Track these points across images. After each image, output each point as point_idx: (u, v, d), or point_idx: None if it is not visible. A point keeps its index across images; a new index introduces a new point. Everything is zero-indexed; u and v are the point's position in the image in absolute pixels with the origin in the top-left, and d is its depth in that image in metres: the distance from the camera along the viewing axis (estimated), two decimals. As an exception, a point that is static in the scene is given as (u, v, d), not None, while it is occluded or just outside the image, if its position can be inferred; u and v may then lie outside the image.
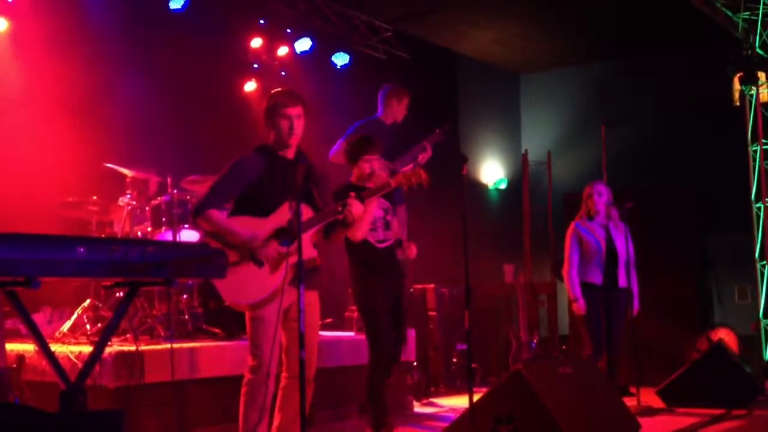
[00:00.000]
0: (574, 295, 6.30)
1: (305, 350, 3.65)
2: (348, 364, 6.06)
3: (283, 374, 4.10)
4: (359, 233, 4.72)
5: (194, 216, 3.98)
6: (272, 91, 4.13)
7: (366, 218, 4.53)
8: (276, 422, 4.08)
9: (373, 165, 5.10)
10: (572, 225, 6.53)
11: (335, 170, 5.73)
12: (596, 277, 6.35)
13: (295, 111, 4.01)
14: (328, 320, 6.50)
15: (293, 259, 3.75)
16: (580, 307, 6.28)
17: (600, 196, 6.43)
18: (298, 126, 4.03)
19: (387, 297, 5.21)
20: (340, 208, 3.97)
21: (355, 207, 3.97)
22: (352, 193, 4.06)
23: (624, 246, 6.41)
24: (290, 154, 4.09)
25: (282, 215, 3.94)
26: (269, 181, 4.00)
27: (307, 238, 3.91)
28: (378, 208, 5.04)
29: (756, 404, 6.48)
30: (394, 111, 6.41)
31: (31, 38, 6.56)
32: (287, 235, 3.87)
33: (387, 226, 5.24)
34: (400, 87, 6.48)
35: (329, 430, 5.55)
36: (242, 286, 3.85)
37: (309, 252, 3.94)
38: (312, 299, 4.10)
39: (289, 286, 3.86)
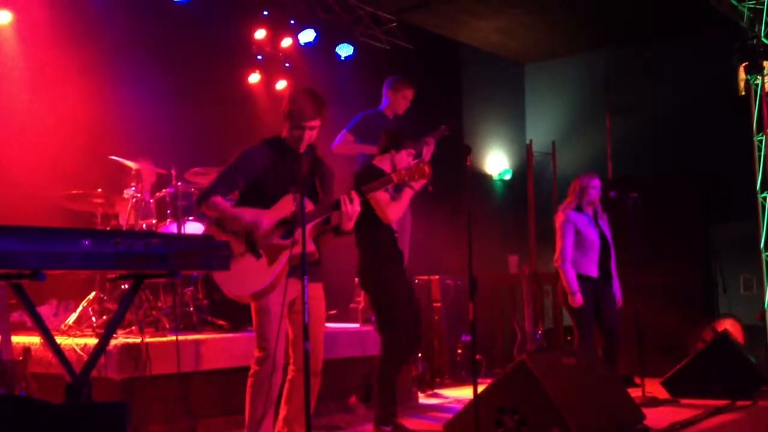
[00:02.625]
0: (572, 289, 6.21)
1: (312, 343, 3.66)
2: (353, 355, 6.07)
3: (291, 366, 4.12)
4: (392, 214, 4.84)
5: (199, 203, 4.02)
6: (298, 91, 4.11)
7: (400, 204, 4.82)
8: (282, 414, 4.10)
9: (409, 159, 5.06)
10: (565, 213, 6.37)
11: (337, 162, 5.72)
12: (592, 269, 6.31)
13: (313, 123, 4.02)
14: (332, 312, 6.51)
15: (293, 250, 3.76)
16: (577, 301, 6.21)
17: (596, 189, 6.39)
18: (311, 137, 4.04)
19: (404, 286, 5.12)
20: (335, 204, 3.95)
21: (346, 206, 3.91)
22: (353, 191, 4.02)
23: (610, 237, 6.43)
24: (301, 148, 4.09)
25: (283, 207, 3.94)
26: (275, 174, 4.00)
27: (307, 231, 3.90)
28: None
29: (760, 395, 6.48)
30: (393, 104, 6.38)
31: (34, 31, 6.56)
32: (287, 226, 3.87)
33: None
34: (405, 79, 6.42)
35: (334, 422, 5.56)
36: (241, 278, 3.86)
37: (307, 246, 3.93)
38: (317, 292, 4.11)
39: (293, 278, 3.86)
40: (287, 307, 3.98)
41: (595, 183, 6.41)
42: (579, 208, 6.40)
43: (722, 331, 7.00)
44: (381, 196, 4.83)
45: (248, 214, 3.90)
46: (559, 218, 6.43)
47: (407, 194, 4.89)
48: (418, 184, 4.78)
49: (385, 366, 5.00)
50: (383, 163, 5.05)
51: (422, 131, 6.30)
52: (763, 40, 8.56)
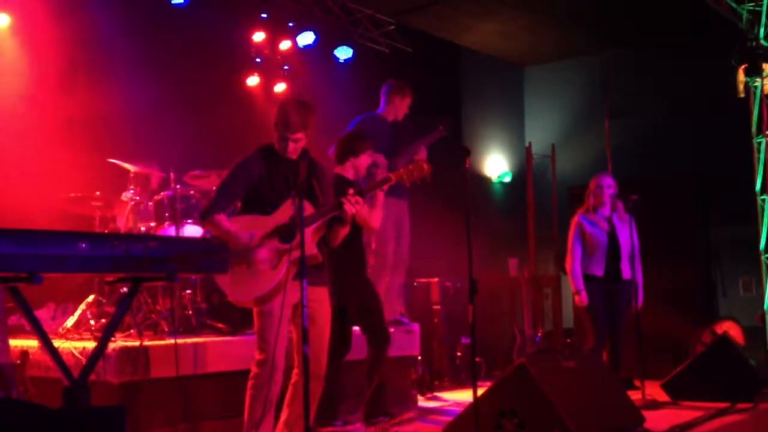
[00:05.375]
0: (576, 288, 6.37)
1: (315, 346, 3.65)
2: (352, 358, 6.04)
3: (294, 370, 4.11)
4: (375, 222, 4.81)
5: (202, 219, 4.08)
6: (287, 102, 4.14)
7: (379, 209, 4.78)
8: (283, 417, 4.10)
9: (376, 159, 5.09)
10: (576, 217, 6.57)
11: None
12: (598, 269, 6.41)
13: (297, 136, 4.04)
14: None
15: (295, 254, 3.77)
16: (582, 299, 6.37)
17: (607, 188, 6.45)
18: (296, 148, 4.07)
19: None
20: (337, 205, 3.96)
21: (348, 206, 3.96)
22: (351, 190, 4.04)
23: (628, 238, 6.44)
24: (291, 156, 4.11)
25: (284, 212, 3.95)
26: (271, 180, 4.03)
27: (309, 234, 3.90)
28: None
29: (761, 397, 6.46)
30: (396, 108, 6.37)
31: (32, 34, 6.55)
32: (288, 231, 3.88)
33: None
34: (405, 85, 6.43)
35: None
36: (244, 282, 3.87)
37: (309, 249, 3.93)
38: (321, 295, 4.12)
39: (297, 281, 3.85)
40: (291, 309, 3.99)
41: (602, 182, 6.51)
42: (593, 209, 6.49)
43: (722, 333, 7.00)
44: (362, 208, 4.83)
45: (247, 232, 3.92)
46: (572, 221, 6.59)
47: (379, 198, 4.82)
48: (386, 185, 4.65)
49: (381, 363, 5.15)
50: (346, 172, 5.10)
51: (420, 133, 6.29)
52: (762, 41, 8.56)
